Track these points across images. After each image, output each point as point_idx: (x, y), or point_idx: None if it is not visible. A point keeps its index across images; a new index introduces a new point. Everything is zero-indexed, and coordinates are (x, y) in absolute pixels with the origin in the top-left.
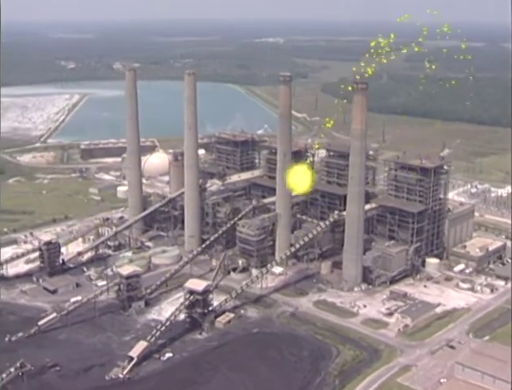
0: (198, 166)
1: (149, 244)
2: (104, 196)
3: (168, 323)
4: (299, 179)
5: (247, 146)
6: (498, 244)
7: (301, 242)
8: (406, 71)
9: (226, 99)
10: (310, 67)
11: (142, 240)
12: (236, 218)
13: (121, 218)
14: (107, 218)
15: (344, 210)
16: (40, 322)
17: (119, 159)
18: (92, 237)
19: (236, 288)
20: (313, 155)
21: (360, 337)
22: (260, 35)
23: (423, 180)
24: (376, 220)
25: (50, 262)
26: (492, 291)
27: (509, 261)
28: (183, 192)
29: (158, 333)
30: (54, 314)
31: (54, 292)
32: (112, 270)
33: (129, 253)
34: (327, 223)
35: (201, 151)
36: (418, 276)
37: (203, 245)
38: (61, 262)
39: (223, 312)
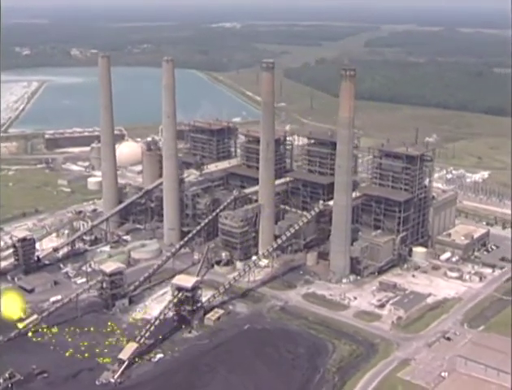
0: (177, 157)
1: (127, 237)
2: (74, 187)
3: (157, 323)
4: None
5: (223, 135)
6: (482, 231)
7: (288, 234)
8: (367, 56)
9: (190, 85)
10: (270, 53)
11: (119, 233)
12: (217, 210)
13: (94, 210)
14: (80, 211)
15: (328, 199)
16: (20, 325)
17: (85, 149)
18: (66, 231)
19: (222, 282)
20: (292, 144)
21: (354, 331)
22: (216, 20)
23: (408, 168)
24: (361, 209)
25: (26, 259)
26: (480, 279)
27: (494, 248)
28: (160, 184)
29: (147, 333)
30: (35, 316)
31: (31, 291)
32: (90, 266)
33: (107, 248)
34: (313, 213)
35: None
36: (406, 266)
37: (185, 239)
38: (36, 258)
39: (212, 308)
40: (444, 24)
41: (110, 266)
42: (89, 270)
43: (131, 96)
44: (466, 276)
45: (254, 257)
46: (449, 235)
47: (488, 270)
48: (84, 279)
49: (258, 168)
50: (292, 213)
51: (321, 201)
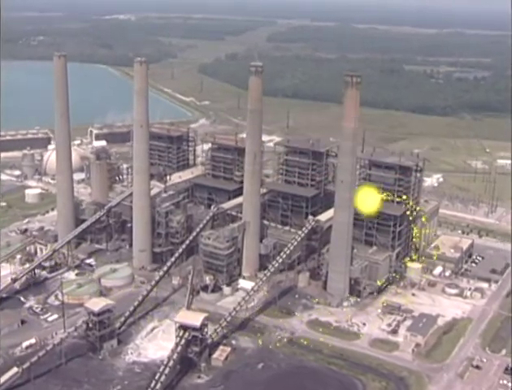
0: (149, 171)
1: (91, 261)
2: (9, 201)
3: (167, 371)
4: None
5: (182, 142)
6: (467, 242)
7: (283, 255)
8: (275, 52)
9: (103, 82)
10: (175, 46)
11: (80, 256)
12: (198, 229)
13: (42, 228)
14: (25, 230)
15: (312, 213)
16: (0, 381)
17: (9, 154)
18: (18, 257)
19: (213, 312)
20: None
21: (377, 364)
22: (105, 11)
23: (402, 180)
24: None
25: None
26: (481, 296)
27: (480, 259)
28: (124, 198)
29: (158, 385)
30: (15, 369)
31: None
32: (57, 297)
33: (72, 275)
34: (305, 230)
35: (103, 142)
36: (402, 283)
37: (168, 264)
38: None
39: (216, 345)
40: (338, 20)
41: (97, 304)
42: (56, 303)
43: (46, 94)
44: (467, 293)
45: (252, 283)
46: (437, 247)
47: (484, 285)
48: (55, 316)
49: (225, 178)
50: (276, 229)
51: (311, 217)
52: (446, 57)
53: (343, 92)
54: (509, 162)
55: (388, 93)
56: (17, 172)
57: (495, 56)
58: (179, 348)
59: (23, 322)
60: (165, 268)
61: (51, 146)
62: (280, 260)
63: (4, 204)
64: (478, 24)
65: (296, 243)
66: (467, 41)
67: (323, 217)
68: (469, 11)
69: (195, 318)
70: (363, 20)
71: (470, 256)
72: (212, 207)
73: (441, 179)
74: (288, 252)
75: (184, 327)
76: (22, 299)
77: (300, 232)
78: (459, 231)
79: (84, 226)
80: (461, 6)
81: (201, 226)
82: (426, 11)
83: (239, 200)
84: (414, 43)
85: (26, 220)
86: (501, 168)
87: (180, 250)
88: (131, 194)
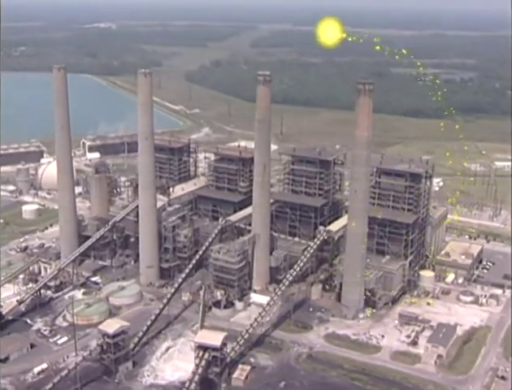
0: (155, 185)
1: (96, 279)
2: (6, 217)
3: None
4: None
5: (184, 153)
6: (477, 248)
7: (297, 268)
8: (260, 57)
9: (91, 92)
10: (160, 54)
11: (84, 274)
12: (206, 243)
13: (42, 246)
14: (26, 247)
15: (321, 223)
16: None
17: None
18: (21, 276)
19: (227, 329)
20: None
21: (401, 377)
22: (86, 20)
23: (413, 187)
24: None
25: None
26: (497, 303)
27: (490, 264)
28: (128, 213)
29: None
30: None
31: (5, 360)
32: (64, 318)
33: (79, 294)
34: (317, 241)
35: (97, 154)
36: (416, 292)
37: (180, 280)
38: None
39: (235, 364)
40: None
41: (111, 326)
42: (64, 324)
43: (34, 105)
44: (482, 300)
45: (264, 297)
46: (448, 254)
47: (498, 291)
48: (65, 338)
49: (229, 190)
50: (286, 240)
51: (322, 228)
52: (430, 59)
53: (355, 100)
54: (508, 163)
55: (379, 97)
56: (11, 187)
57: (478, 57)
58: (199, 369)
59: (32, 345)
60: (176, 285)
61: (44, 160)
62: (294, 273)
63: (1, 221)
64: (456, 25)
65: (309, 255)
66: (449, 43)
67: (334, 227)
68: (446, 12)
69: (215, 338)
70: (346, 24)
71: (480, 262)
72: (220, 220)
73: (441, 183)
74: (301, 265)
75: (203, 348)
76: (28, 321)
77: (312, 244)
78: (466, 237)
79: (89, 242)
80: (437, 8)
81: (210, 240)
82: (407, 13)
83: (247, 212)
84: (398, 45)
85: (23, 238)
86: (500, 170)
87: (191, 266)
88: (134, 208)
